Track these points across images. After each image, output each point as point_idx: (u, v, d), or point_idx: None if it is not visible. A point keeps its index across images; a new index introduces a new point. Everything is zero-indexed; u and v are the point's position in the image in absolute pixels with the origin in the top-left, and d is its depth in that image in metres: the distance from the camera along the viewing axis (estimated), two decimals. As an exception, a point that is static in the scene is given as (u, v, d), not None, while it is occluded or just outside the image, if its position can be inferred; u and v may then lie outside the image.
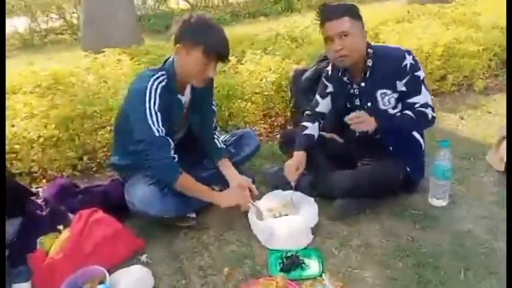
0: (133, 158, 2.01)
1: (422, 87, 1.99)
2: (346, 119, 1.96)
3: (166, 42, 4.81)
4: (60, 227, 1.80)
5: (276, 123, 3.07)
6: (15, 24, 6.43)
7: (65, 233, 1.77)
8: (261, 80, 3.07)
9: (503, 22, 4.15)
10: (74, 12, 6.73)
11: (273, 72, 3.11)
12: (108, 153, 2.65)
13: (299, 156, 2.11)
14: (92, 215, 1.83)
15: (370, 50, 2.00)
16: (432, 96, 3.39)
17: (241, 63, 3.36)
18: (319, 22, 1.96)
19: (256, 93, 3.03)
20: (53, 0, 6.66)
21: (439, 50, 3.58)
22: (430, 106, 2.00)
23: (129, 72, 3.32)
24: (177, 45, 1.83)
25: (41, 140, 2.46)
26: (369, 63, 2.00)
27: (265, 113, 3.07)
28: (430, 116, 1.99)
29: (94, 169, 2.63)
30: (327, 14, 1.92)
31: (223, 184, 2.14)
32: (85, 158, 2.59)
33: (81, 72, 3.36)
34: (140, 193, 1.87)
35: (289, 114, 3.01)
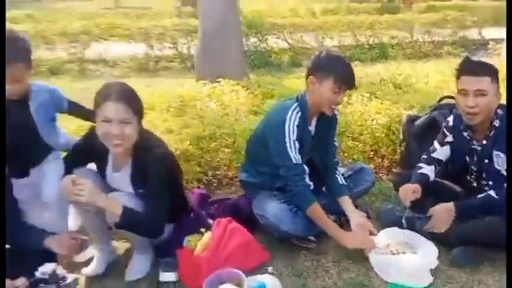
0: (262, 178, 2.26)
1: None
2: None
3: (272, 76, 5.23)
4: (203, 230, 2.05)
5: (383, 164, 3.17)
6: (135, 50, 7.25)
7: (207, 236, 2.02)
8: (372, 121, 3.22)
9: None
10: (185, 44, 7.42)
11: (383, 115, 3.25)
12: (229, 172, 2.94)
13: (415, 185, 2.22)
14: (229, 224, 2.07)
15: (499, 111, 2.06)
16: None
17: (349, 103, 3.54)
18: (456, 71, 2.07)
19: (366, 133, 3.17)
20: (168, 31, 7.43)
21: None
22: None
23: (246, 102, 3.65)
24: (310, 77, 2.10)
25: (177, 153, 2.78)
26: (496, 123, 2.06)
27: (373, 153, 3.19)
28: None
29: (215, 185, 2.90)
30: (469, 68, 2.01)
31: (339, 214, 2.29)
32: (210, 173, 2.89)
33: (204, 97, 3.75)
34: (273, 209, 2.09)
35: (397, 157, 3.10)
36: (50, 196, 1.90)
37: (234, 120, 3.21)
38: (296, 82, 4.43)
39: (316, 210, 2.07)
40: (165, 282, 1.84)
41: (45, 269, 1.70)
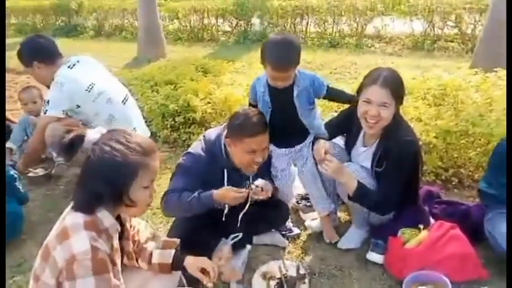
0: (503, 191, 2.00)
1: None
2: None
3: None
4: (421, 226, 2.05)
5: None
6: (414, 27, 7.07)
7: (423, 233, 2.01)
8: None
9: None
10: (471, 23, 6.72)
11: None
12: (476, 174, 2.72)
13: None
14: (452, 229, 1.98)
15: None
16: None
17: None
18: None
19: None
20: (454, 10, 6.84)
21: None
22: None
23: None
24: None
25: (419, 143, 2.74)
26: None
27: None
28: None
29: (454, 183, 2.73)
30: None
31: None
32: (450, 171, 2.74)
33: (470, 88, 3.43)
34: (504, 229, 1.86)
35: None
36: (304, 172, 2.19)
37: (495, 120, 2.86)
38: None
39: None
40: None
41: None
